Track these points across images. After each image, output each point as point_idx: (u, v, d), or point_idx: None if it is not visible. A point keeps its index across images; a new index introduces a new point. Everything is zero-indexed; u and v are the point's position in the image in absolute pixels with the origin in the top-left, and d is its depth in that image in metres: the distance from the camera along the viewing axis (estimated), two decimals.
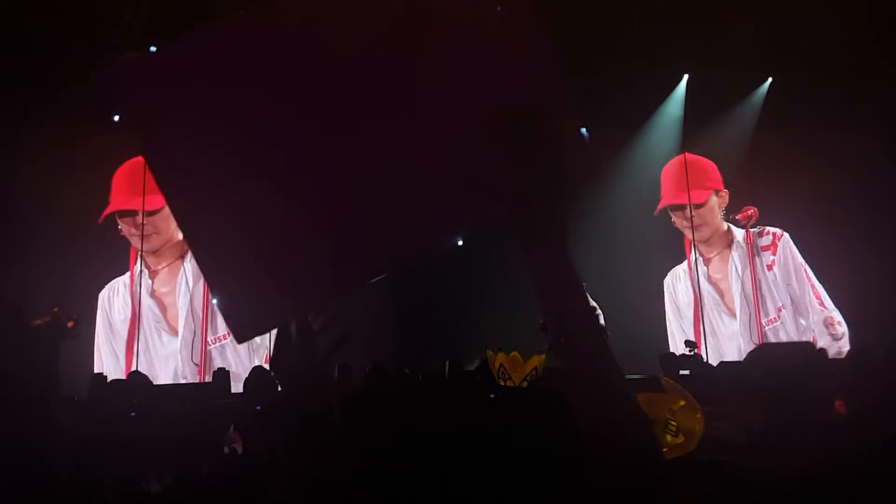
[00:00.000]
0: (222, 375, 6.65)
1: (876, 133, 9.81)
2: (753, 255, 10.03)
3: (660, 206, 10.18)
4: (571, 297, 1.03)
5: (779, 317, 9.86)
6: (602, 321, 6.63)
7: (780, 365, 2.05)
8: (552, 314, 1.03)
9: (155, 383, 8.95)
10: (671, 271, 10.20)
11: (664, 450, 1.68)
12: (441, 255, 1.20)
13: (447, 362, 6.67)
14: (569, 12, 9.26)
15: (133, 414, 4.37)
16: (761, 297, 9.92)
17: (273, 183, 1.20)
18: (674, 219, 10.17)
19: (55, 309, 6.59)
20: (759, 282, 9.95)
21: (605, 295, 9.83)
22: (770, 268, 9.97)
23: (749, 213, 10.04)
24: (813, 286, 9.87)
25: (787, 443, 1.74)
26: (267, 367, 8.34)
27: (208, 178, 1.20)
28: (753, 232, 10.06)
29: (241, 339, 1.22)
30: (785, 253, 9.98)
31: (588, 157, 1.11)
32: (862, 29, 8.89)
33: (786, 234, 9.97)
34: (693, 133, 10.41)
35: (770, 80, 10.23)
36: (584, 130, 1.10)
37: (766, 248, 10.03)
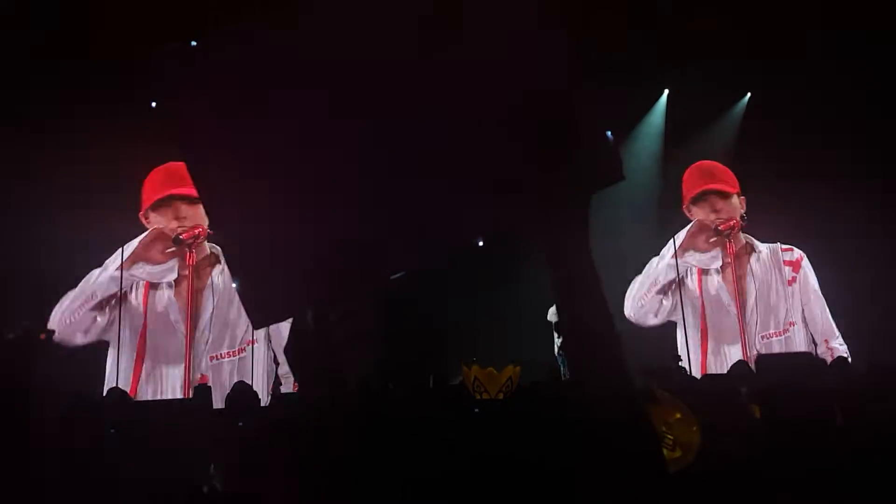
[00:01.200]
0: (203, 392, 6.55)
1: (858, 141, 9.92)
2: (773, 267, 10.11)
3: (691, 195, 10.15)
4: (594, 306, 1.03)
5: (787, 330, 9.94)
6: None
7: (781, 374, 2.03)
8: (572, 319, 1.01)
9: (160, 382, 8.84)
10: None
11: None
12: (429, 270, 1.19)
13: (431, 377, 6.63)
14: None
15: (112, 431, 4.28)
16: (775, 308, 9.99)
17: (297, 176, 1.21)
18: (696, 211, 10.19)
19: (26, 322, 6.45)
20: (779, 293, 10.03)
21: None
22: (790, 283, 10.07)
23: (731, 223, 10.12)
24: (824, 310, 9.97)
25: (790, 450, 1.72)
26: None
27: (236, 168, 1.23)
28: (776, 247, 10.17)
29: (257, 324, 1.25)
30: (806, 273, 10.10)
31: (614, 160, 1.10)
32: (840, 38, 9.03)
33: (805, 256, 10.10)
34: (673, 148, 10.52)
35: (749, 94, 10.38)
36: (609, 133, 1.09)
37: (788, 263, 10.15)
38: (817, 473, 1.42)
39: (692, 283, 10.14)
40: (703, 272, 10.10)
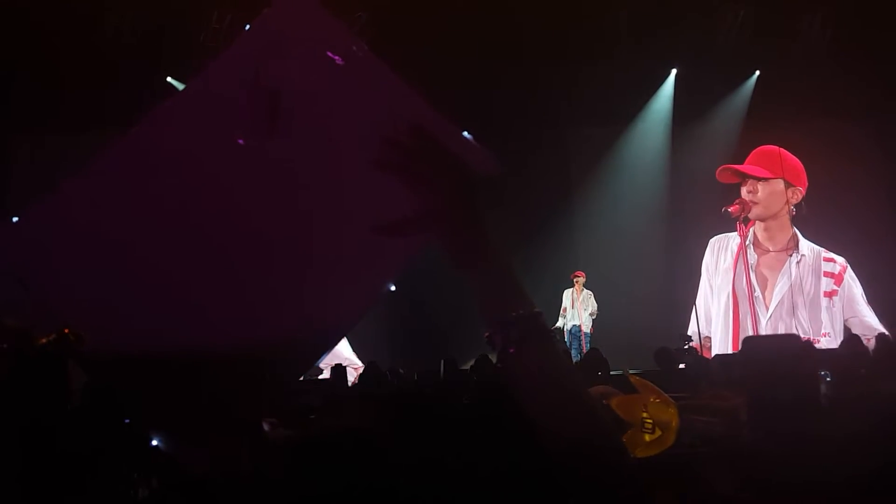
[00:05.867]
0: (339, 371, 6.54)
1: (865, 123, 9.85)
2: (812, 274, 9.83)
3: (721, 167, 9.95)
4: (514, 305, 1.00)
5: (818, 341, 9.70)
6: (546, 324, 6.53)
7: (765, 354, 2.06)
8: (497, 325, 0.99)
9: None
10: (719, 236, 10.08)
11: (641, 448, 1.72)
12: (431, 256, 1.18)
13: (442, 361, 6.69)
14: (556, 7, 9.31)
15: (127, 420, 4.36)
16: (805, 313, 9.74)
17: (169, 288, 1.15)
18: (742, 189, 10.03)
19: (66, 329, 6.44)
20: (813, 302, 9.75)
21: (606, 286, 9.95)
22: (828, 295, 9.77)
23: (737, 206, 9.99)
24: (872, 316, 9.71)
25: (771, 429, 1.75)
26: None
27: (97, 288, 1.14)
28: (819, 251, 9.87)
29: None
30: (850, 285, 9.79)
31: (482, 158, 1.08)
32: (848, 17, 8.95)
33: (848, 267, 9.84)
34: (682, 127, 10.48)
35: (758, 73, 10.30)
36: (466, 133, 1.07)
37: (829, 275, 9.81)
38: (797, 455, 1.46)
39: (729, 261, 10.00)
40: (741, 253, 9.91)
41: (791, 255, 9.80)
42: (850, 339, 7.67)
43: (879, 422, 1.88)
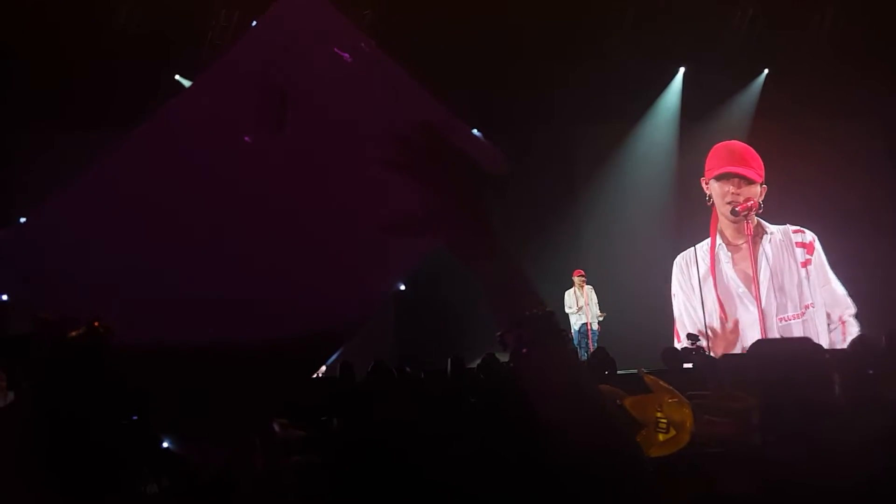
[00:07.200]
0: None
1: (871, 121, 9.82)
2: (786, 249, 10.07)
3: (717, 172, 10.09)
4: (526, 304, 0.99)
5: (804, 314, 9.88)
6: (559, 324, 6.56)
7: (777, 358, 2.06)
8: (509, 325, 0.98)
9: None
10: (683, 253, 10.26)
11: (656, 447, 1.70)
12: (439, 254, 1.16)
13: (449, 359, 6.68)
14: (564, 5, 9.30)
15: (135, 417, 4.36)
16: (791, 290, 9.96)
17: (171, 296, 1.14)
18: (715, 186, 10.16)
19: (96, 323, 6.44)
20: (793, 275, 10.01)
21: (612, 285, 9.94)
22: (804, 265, 10.02)
23: (749, 204, 10.03)
24: (841, 287, 9.96)
25: (783, 432, 1.74)
26: None
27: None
28: (786, 228, 10.13)
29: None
30: (820, 254, 10.06)
31: (493, 156, 1.07)
32: (856, 14, 8.92)
33: (816, 238, 10.05)
34: (691, 126, 10.45)
35: (766, 71, 10.26)
36: (476, 131, 1.06)
37: (801, 245, 10.10)
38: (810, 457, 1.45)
39: (705, 266, 10.13)
40: (715, 257, 10.09)
41: (761, 239, 10.02)
42: (858, 339, 7.68)
43: (890, 426, 1.87)
